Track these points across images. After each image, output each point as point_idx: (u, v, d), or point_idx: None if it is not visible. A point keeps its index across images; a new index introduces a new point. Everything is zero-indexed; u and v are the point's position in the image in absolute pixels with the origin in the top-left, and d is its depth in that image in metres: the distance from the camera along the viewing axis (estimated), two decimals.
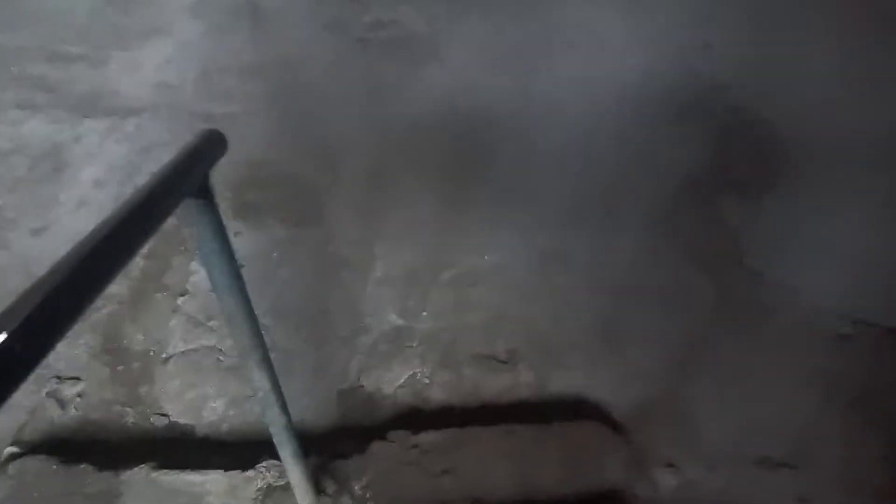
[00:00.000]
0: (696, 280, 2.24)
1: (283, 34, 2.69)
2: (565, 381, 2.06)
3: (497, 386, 2.04)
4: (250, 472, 1.79)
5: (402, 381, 2.03)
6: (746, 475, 1.95)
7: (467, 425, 1.90)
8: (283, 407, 1.33)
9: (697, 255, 2.28)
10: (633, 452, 1.94)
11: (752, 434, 2.00)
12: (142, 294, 2.13)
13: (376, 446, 1.84)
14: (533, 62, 2.64)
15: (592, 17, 2.79)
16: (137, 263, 2.17)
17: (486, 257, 2.23)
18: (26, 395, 1.92)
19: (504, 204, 2.35)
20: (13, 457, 1.80)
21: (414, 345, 2.08)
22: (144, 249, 2.20)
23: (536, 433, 1.89)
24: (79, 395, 1.95)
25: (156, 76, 2.51)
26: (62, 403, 1.94)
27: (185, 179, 0.84)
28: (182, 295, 2.12)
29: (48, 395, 1.94)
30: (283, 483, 1.76)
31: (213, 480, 1.77)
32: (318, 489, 1.74)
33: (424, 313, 2.13)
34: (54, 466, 1.77)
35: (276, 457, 1.54)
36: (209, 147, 0.94)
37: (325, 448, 1.85)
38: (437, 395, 2.02)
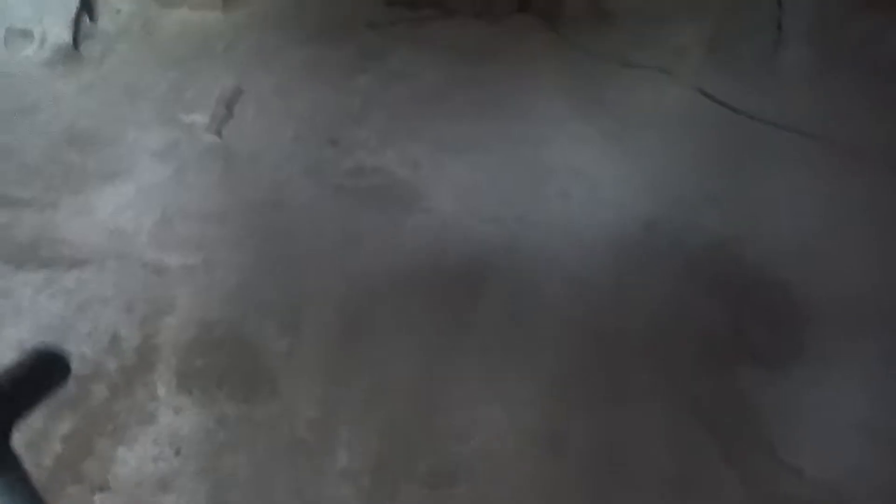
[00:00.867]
0: (719, 471, 1.88)
1: (257, 178, 2.52)
2: None
3: None
4: None
5: None
6: None
7: None
8: None
9: (719, 440, 1.94)
10: None
11: None
12: (53, 485, 1.76)
13: None
14: (526, 213, 2.45)
15: (586, 164, 2.64)
16: (54, 448, 1.82)
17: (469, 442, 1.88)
18: None
19: (491, 371, 2.04)
20: None
21: None
22: (65, 429, 1.87)
23: None
24: None
25: (109, 222, 2.28)
26: None
27: None
28: (101, 490, 1.75)
29: None
30: None
31: None
32: None
33: None
34: None
35: None
36: (32, 379, 0.61)
37: None
38: None
